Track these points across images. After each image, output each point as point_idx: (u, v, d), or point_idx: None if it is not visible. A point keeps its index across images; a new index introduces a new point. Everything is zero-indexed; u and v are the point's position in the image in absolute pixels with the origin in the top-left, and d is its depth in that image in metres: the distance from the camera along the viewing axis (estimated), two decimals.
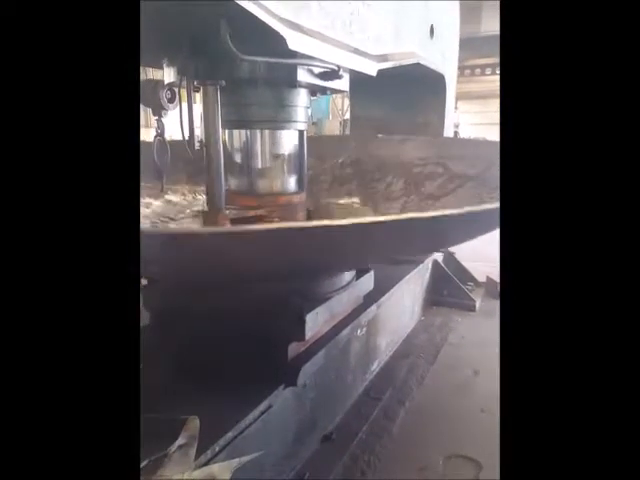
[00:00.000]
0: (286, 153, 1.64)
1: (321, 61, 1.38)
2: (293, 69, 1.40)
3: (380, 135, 2.62)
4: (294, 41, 1.17)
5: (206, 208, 1.56)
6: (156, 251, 0.84)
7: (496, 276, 3.06)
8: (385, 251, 1.80)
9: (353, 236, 0.95)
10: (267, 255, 0.99)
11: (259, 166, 1.63)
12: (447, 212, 1.04)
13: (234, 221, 1.51)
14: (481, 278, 3.10)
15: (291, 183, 1.71)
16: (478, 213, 1.04)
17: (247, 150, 1.61)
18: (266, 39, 1.16)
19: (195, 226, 1.86)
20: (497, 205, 0.95)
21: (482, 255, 3.05)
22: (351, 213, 2.28)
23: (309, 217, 1.76)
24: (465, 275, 3.03)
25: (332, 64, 1.43)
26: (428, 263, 2.74)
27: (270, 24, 1.10)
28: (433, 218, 1.03)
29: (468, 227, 1.23)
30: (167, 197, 2.25)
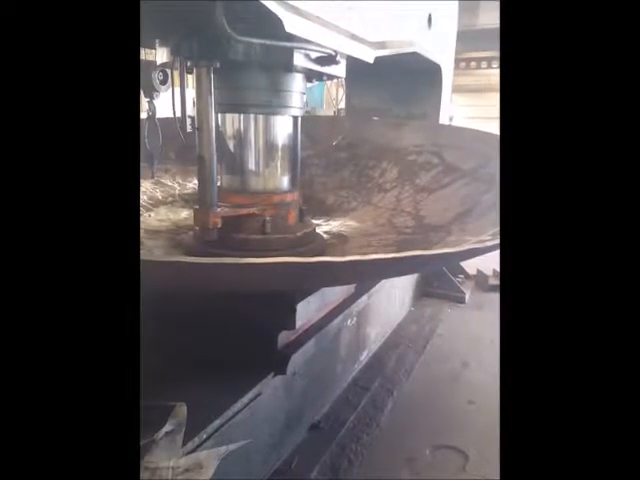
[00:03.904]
0: (280, 142, 1.61)
1: (318, 45, 1.36)
2: (289, 52, 1.37)
3: (375, 118, 2.61)
4: (291, 23, 1.14)
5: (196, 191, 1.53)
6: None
7: (487, 269, 3.08)
8: (377, 278, 1.83)
9: (349, 270, 0.98)
10: (265, 284, 1.04)
11: (252, 156, 1.60)
12: (449, 250, 1.08)
13: (225, 220, 1.49)
14: (472, 271, 3.12)
15: (284, 181, 1.68)
16: (475, 250, 1.07)
17: (240, 137, 1.58)
18: (263, 21, 1.13)
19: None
20: (494, 242, 1.00)
21: None
22: (345, 203, 2.28)
23: (302, 216, 1.74)
24: (456, 267, 3.05)
25: (329, 49, 1.40)
26: None
27: (267, 5, 1.07)
28: (433, 255, 1.06)
29: (463, 258, 1.27)
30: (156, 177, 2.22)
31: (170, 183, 2.41)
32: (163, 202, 2.28)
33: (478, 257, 1.22)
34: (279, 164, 1.64)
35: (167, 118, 1.48)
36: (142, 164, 1.41)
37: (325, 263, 0.89)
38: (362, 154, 2.43)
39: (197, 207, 1.50)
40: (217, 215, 1.46)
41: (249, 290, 1.16)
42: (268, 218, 1.57)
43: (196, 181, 1.68)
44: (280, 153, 1.63)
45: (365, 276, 1.43)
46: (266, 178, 1.63)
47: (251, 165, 1.61)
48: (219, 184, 1.60)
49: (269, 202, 1.60)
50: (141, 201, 2.18)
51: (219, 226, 1.47)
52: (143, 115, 1.46)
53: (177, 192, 2.37)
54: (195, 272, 0.89)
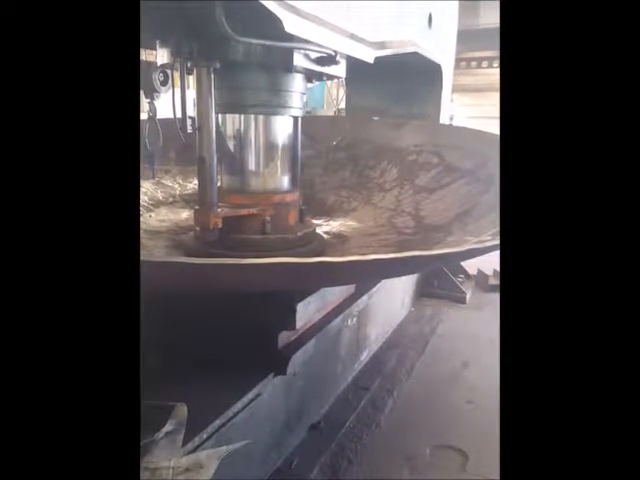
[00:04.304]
0: (280, 142, 1.61)
1: (318, 45, 1.36)
2: (289, 53, 1.37)
3: (376, 118, 2.61)
4: (291, 24, 1.14)
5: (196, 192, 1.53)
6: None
7: (487, 269, 3.08)
8: (377, 279, 1.83)
9: (349, 270, 0.98)
10: (265, 285, 1.04)
11: (252, 156, 1.60)
12: (449, 250, 1.08)
13: (226, 220, 1.49)
14: (472, 271, 3.12)
15: (284, 181, 1.68)
16: (475, 250, 1.07)
17: (240, 137, 1.58)
18: (262, 21, 1.13)
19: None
20: (495, 242, 1.00)
21: None
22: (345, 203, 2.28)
23: (302, 216, 1.74)
24: (456, 267, 3.04)
25: (329, 49, 1.40)
26: None
27: (267, 6, 1.07)
28: (433, 256, 1.06)
29: (464, 258, 1.28)
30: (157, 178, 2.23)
31: (170, 184, 2.41)
32: (164, 202, 2.28)
33: (478, 257, 1.22)
34: (279, 164, 1.64)
35: (168, 119, 1.48)
36: (143, 165, 1.41)
37: (325, 263, 0.89)
38: (362, 154, 2.43)
39: (197, 207, 1.50)
40: (217, 215, 1.47)
41: (249, 290, 1.16)
42: (268, 218, 1.58)
43: (196, 181, 1.68)
44: (280, 153, 1.63)
45: (365, 276, 1.43)
46: (266, 178, 1.64)
47: (251, 165, 1.61)
48: (219, 184, 1.60)
49: (269, 202, 1.60)
50: (142, 202, 2.18)
51: (219, 226, 1.47)
52: (144, 116, 1.46)
53: (177, 192, 2.37)
54: (195, 272, 0.89)
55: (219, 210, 1.48)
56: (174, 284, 1.05)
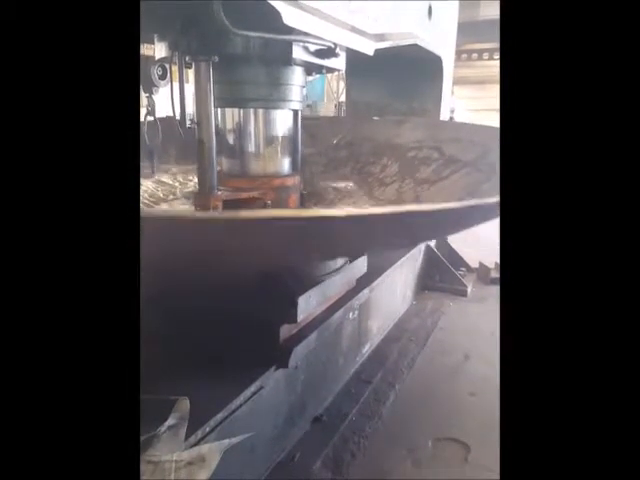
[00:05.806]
0: (280, 134, 1.61)
1: (317, 38, 1.35)
2: (288, 46, 1.36)
3: (376, 118, 2.60)
4: (289, 16, 1.14)
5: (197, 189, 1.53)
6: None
7: (488, 262, 3.07)
8: (379, 241, 1.80)
9: (349, 227, 0.94)
10: (259, 244, 0.99)
11: (252, 148, 1.60)
12: (446, 206, 1.04)
13: (226, 203, 1.49)
14: (474, 264, 3.12)
15: (285, 165, 1.68)
16: (475, 207, 1.04)
17: (240, 131, 1.58)
18: (261, 14, 1.12)
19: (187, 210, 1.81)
20: (494, 200, 0.97)
21: (475, 240, 3.07)
22: (346, 197, 2.27)
23: (303, 200, 1.74)
24: (457, 260, 3.04)
25: (328, 41, 1.39)
26: (421, 247, 2.75)
27: None
28: (431, 211, 1.02)
29: (464, 219, 1.22)
30: (157, 176, 2.23)
31: (171, 182, 2.41)
32: (164, 200, 2.28)
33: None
34: (279, 148, 1.63)
35: (167, 117, 1.48)
36: (142, 162, 1.41)
37: (322, 218, 0.83)
38: (362, 152, 2.42)
39: (197, 191, 1.49)
40: (218, 198, 1.46)
41: (239, 251, 1.10)
42: (269, 202, 1.57)
43: (196, 179, 1.68)
44: (280, 139, 1.62)
45: (366, 241, 1.34)
46: (266, 162, 1.63)
47: (251, 148, 1.61)
48: (219, 169, 1.59)
49: (270, 186, 1.59)
50: (143, 199, 2.18)
51: (220, 210, 1.47)
52: (142, 110, 1.46)
53: (177, 190, 2.37)
54: (182, 229, 0.84)
55: (219, 193, 1.47)
56: (169, 241, 0.99)
